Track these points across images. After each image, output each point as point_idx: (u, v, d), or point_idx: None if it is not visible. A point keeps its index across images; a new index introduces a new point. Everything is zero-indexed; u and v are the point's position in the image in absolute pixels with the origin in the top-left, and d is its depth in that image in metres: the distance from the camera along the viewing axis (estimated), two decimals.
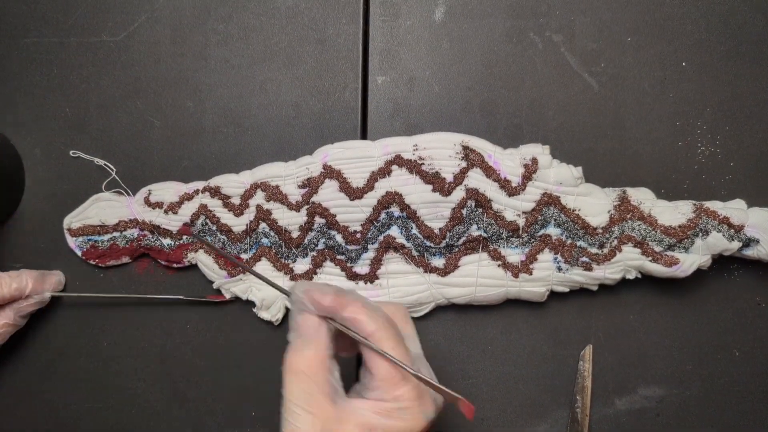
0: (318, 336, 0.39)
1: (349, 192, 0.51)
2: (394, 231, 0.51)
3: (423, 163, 0.50)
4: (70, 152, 0.55)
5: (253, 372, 0.54)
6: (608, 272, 0.50)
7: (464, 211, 0.50)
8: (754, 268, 0.51)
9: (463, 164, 0.50)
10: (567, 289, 0.51)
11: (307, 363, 0.39)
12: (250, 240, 0.52)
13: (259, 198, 0.52)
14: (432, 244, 0.51)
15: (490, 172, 0.50)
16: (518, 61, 0.53)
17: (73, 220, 0.54)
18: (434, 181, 0.50)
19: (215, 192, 0.53)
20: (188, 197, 0.53)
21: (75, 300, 0.55)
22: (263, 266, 0.52)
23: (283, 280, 0.52)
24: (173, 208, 0.53)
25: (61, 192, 0.55)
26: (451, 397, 0.38)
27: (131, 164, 0.55)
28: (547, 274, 0.50)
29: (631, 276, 0.50)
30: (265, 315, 0.53)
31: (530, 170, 0.50)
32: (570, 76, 0.53)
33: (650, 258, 0.49)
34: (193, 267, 0.54)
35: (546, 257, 0.50)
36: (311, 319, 0.40)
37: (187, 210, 0.53)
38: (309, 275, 0.52)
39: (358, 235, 0.51)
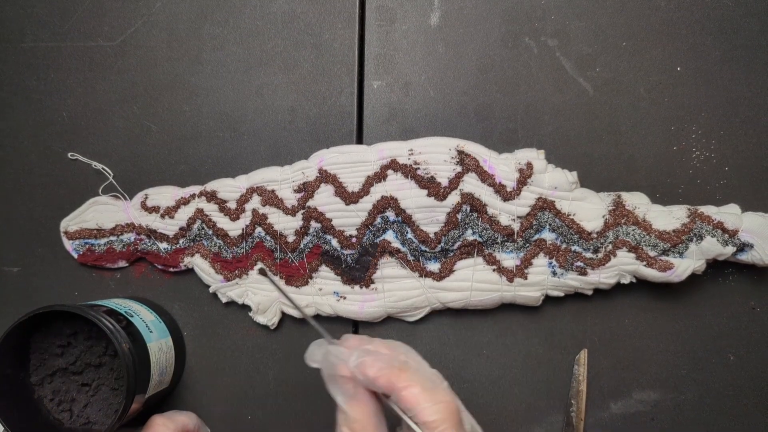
0: (362, 397, 0.38)
1: (345, 196, 0.51)
2: (390, 235, 0.51)
3: (418, 168, 0.50)
4: (68, 154, 0.55)
5: (250, 376, 0.54)
6: (603, 277, 0.50)
7: (459, 216, 0.50)
8: (748, 273, 0.52)
9: (459, 169, 0.50)
10: (562, 294, 0.51)
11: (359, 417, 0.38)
12: (247, 244, 0.53)
13: (255, 202, 0.52)
14: (427, 249, 0.51)
15: (485, 176, 0.50)
16: (513, 66, 0.53)
17: (70, 223, 0.55)
18: (429, 185, 0.50)
19: (211, 196, 0.53)
20: (185, 201, 0.53)
21: None
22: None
23: (281, 284, 0.52)
24: (170, 212, 0.53)
25: (58, 195, 0.55)
26: None
27: (128, 168, 0.55)
28: (542, 279, 0.50)
29: (625, 280, 0.50)
30: (261, 319, 0.53)
31: (525, 175, 0.50)
32: (565, 81, 0.53)
33: (645, 263, 0.49)
34: (190, 271, 0.54)
35: (541, 262, 0.50)
36: (348, 385, 0.39)
37: (184, 214, 0.53)
38: (305, 279, 0.52)
39: (354, 240, 0.51)
